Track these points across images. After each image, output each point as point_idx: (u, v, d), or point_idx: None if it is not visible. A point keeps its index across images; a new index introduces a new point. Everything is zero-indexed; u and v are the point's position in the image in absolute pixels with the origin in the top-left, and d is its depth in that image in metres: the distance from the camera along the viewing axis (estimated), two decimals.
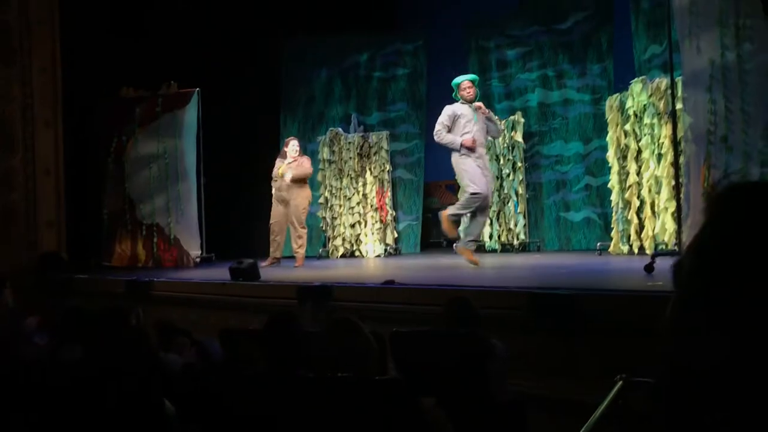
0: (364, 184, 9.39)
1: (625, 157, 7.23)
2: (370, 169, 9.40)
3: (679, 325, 0.90)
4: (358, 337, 2.15)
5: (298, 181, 7.72)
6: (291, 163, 7.78)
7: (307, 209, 7.91)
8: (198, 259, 8.81)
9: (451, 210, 6.45)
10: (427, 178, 9.95)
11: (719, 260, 0.87)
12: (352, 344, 2.13)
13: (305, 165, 7.82)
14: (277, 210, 7.85)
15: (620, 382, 1.99)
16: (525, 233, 8.76)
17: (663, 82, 6.78)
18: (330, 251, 9.49)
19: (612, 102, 7.39)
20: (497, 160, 8.75)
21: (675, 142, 5.44)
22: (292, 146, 7.86)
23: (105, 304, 3.72)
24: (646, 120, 6.91)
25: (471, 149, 6.41)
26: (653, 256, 4.91)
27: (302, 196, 7.77)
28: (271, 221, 7.89)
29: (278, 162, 7.91)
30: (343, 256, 9.31)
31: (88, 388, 2.70)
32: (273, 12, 9.80)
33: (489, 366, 2.51)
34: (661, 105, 6.76)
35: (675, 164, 5.45)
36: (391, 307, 4.48)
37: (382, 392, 1.97)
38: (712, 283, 0.86)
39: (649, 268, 4.72)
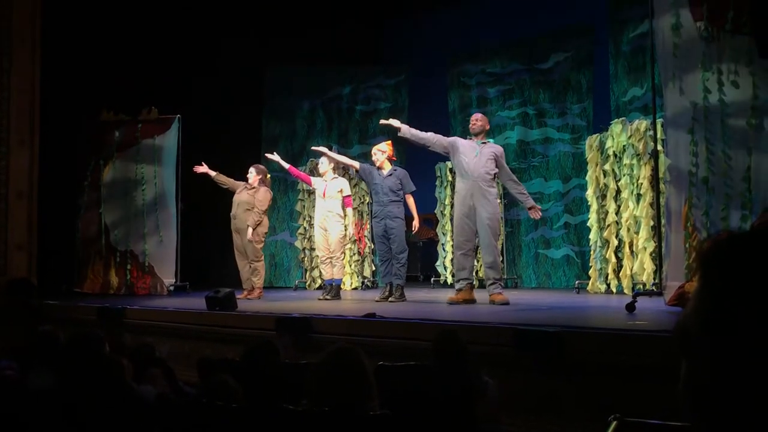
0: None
1: (604, 197, 7.29)
2: None
3: (701, 394, 0.83)
4: (358, 369, 2.07)
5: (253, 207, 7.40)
6: (249, 191, 7.59)
7: (261, 239, 7.55)
8: (171, 288, 8.64)
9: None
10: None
11: (731, 323, 0.79)
12: (352, 376, 2.05)
13: (259, 197, 7.42)
14: (235, 240, 7.63)
15: (614, 423, 1.93)
16: (503, 269, 8.73)
17: (642, 123, 6.89)
18: (307, 283, 9.40)
19: (592, 142, 7.47)
20: None
21: (657, 183, 5.49)
22: (250, 173, 7.63)
23: (76, 330, 3.60)
24: (626, 160, 6.99)
25: None
26: (634, 296, 4.92)
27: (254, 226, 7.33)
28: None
29: (238, 185, 7.72)
30: (320, 287, 9.20)
31: (59, 418, 2.58)
32: (257, 41, 9.82)
33: (479, 404, 2.45)
34: (641, 146, 6.85)
35: (656, 205, 5.49)
36: (371, 341, 4.40)
37: (375, 428, 1.90)
38: (728, 349, 0.79)
39: (630, 308, 4.72)
